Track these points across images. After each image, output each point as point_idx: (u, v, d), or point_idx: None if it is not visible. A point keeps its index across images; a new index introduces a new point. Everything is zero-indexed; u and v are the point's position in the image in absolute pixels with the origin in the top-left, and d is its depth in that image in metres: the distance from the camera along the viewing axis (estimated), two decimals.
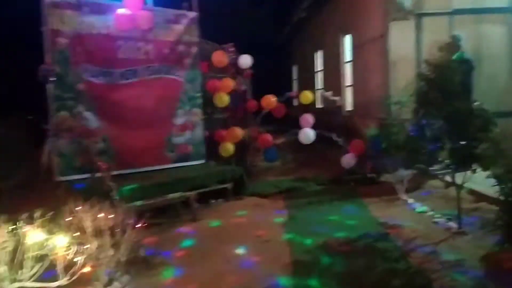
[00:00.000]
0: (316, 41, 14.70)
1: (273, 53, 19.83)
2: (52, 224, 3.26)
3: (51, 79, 5.86)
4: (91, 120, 6.30)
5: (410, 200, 6.47)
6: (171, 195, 5.83)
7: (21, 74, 6.73)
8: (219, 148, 7.93)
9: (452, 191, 6.34)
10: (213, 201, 6.84)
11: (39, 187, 6.28)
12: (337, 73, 11.94)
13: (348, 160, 8.36)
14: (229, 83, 7.94)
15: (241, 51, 8.46)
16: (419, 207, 6.09)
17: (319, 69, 14.70)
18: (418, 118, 5.16)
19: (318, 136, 8.46)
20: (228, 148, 7.93)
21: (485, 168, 4.58)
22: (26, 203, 6.26)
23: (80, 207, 3.62)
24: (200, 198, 6.36)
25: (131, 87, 6.73)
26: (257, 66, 8.51)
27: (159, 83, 7.07)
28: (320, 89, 14.41)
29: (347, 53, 11.41)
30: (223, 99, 7.88)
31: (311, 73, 15.36)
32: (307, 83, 16.33)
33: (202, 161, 7.66)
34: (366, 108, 9.76)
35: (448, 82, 4.86)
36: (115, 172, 6.36)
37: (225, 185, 6.95)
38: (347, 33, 11.31)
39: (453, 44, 7.25)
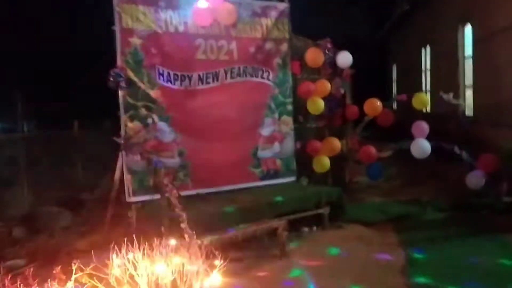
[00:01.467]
0: (423, 35, 12.81)
1: (369, 50, 18.05)
2: None
3: (122, 85, 5.09)
4: (166, 131, 5.45)
5: None
6: (255, 227, 4.74)
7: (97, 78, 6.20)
8: (313, 163, 6.71)
9: None
10: (305, 229, 5.64)
11: (112, 207, 5.57)
12: (452, 72, 10.06)
13: (475, 179, 6.65)
14: (325, 86, 6.67)
15: (338, 48, 7.16)
16: None
17: (426, 68, 12.79)
18: None
19: (434, 148, 6.85)
20: (323, 162, 6.67)
21: None
22: (100, 223, 5.72)
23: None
24: (290, 225, 5.21)
25: (212, 93, 5.80)
26: (354, 65, 7.15)
27: (243, 88, 6.06)
28: (427, 90, 12.52)
29: (467, 47, 9.51)
30: (317, 105, 6.63)
31: (416, 72, 13.48)
32: (410, 83, 14.46)
33: (293, 179, 6.49)
34: (495, 114, 7.88)
35: None
36: (191, 192, 5.56)
37: (320, 210, 5.71)
38: (467, 22, 9.41)
39: None
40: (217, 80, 5.87)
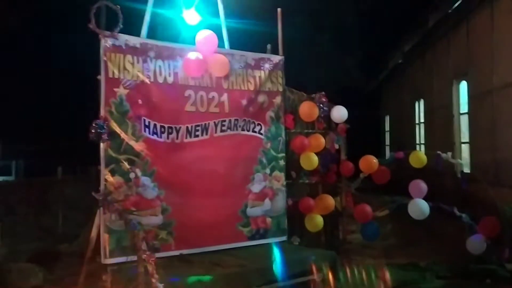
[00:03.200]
0: (417, 89, 12.82)
1: (363, 102, 18.08)
2: None
3: (104, 137, 4.78)
4: (149, 187, 5.08)
5: None
6: None
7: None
8: (305, 221, 6.33)
9: None
10: None
11: (86, 267, 5.09)
12: (447, 127, 9.93)
13: (476, 243, 6.29)
14: (319, 140, 6.41)
15: (331, 101, 6.97)
16: None
17: (419, 121, 12.70)
18: None
19: (432, 208, 6.53)
20: (316, 221, 6.29)
21: None
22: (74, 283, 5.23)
23: None
24: None
25: (200, 146, 5.49)
26: (348, 118, 6.94)
27: (233, 141, 5.76)
28: (420, 144, 12.37)
29: (463, 103, 9.42)
30: (311, 161, 6.34)
31: (409, 125, 13.39)
32: (403, 136, 14.35)
33: (283, 238, 6.08)
34: (494, 173, 7.64)
35: None
36: (174, 253, 5.14)
37: (312, 277, 5.27)
38: (462, 78, 9.37)
39: None
40: (206, 133, 5.57)
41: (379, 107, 18.92)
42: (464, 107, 9.34)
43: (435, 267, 6.18)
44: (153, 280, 3.71)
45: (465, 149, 9.22)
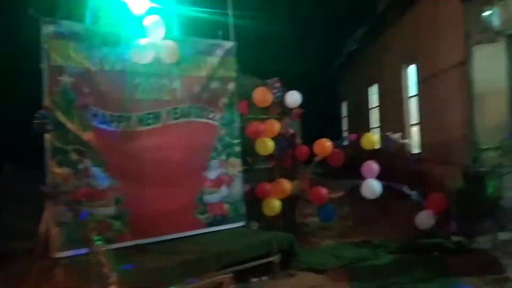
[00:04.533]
0: (371, 74, 13.15)
1: (319, 89, 18.35)
2: None
3: (49, 127, 4.61)
4: (100, 177, 4.97)
5: None
6: (197, 284, 4.30)
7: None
8: (263, 206, 6.41)
9: None
10: (254, 279, 5.26)
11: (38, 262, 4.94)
12: (398, 110, 10.26)
13: (424, 219, 6.59)
14: (274, 126, 6.48)
15: (286, 87, 7.04)
16: None
17: (374, 106, 13.05)
18: None
19: (384, 187, 6.76)
20: (274, 205, 6.39)
21: None
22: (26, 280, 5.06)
23: None
24: (238, 276, 4.82)
25: (153, 135, 5.41)
26: (306, 104, 7.04)
27: (187, 129, 5.71)
28: (375, 127, 12.73)
29: (412, 86, 9.75)
30: (266, 146, 6.41)
31: (364, 110, 13.73)
32: (359, 121, 14.71)
33: (242, 224, 6.13)
34: (441, 152, 7.98)
35: None
36: (130, 243, 5.07)
37: (271, 258, 5.36)
38: (411, 62, 9.68)
39: None
40: (159, 121, 5.50)
41: (337, 93, 19.26)
42: (413, 90, 9.67)
43: (387, 244, 6.42)
44: (106, 270, 3.64)
45: (415, 130, 9.56)
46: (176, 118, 5.64)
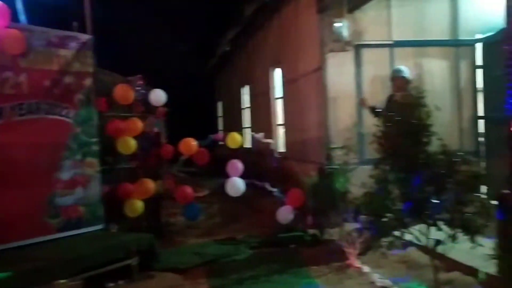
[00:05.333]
0: (243, 75, 13.57)
1: (196, 88, 18.38)
2: None
3: None
4: None
5: (366, 268, 5.21)
6: None
7: None
8: (124, 207, 6.19)
9: (413, 253, 5.30)
10: (111, 284, 5.04)
11: None
12: (267, 111, 10.76)
13: (284, 214, 6.99)
14: (137, 124, 6.30)
15: (157, 85, 6.92)
16: (379, 280, 4.84)
17: (246, 106, 13.49)
18: (382, 172, 3.93)
19: (249, 185, 7.04)
20: (136, 206, 6.23)
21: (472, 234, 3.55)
22: None
23: None
24: (91, 282, 4.58)
25: None
26: (179, 102, 7.01)
27: (36, 126, 5.24)
28: (247, 127, 13.17)
29: (278, 88, 10.29)
30: (129, 145, 6.21)
31: (238, 110, 14.13)
32: (234, 121, 15.08)
33: (100, 227, 5.83)
34: (302, 151, 8.56)
35: (418, 125, 3.71)
36: None
37: (128, 261, 5.19)
38: (277, 66, 10.22)
39: (400, 79, 6.35)
40: (2, 117, 4.96)
41: (214, 93, 19.49)
42: (279, 92, 10.22)
43: (249, 239, 6.68)
44: None
45: (281, 130, 10.11)
46: (22, 115, 5.14)
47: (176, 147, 6.72)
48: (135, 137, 6.32)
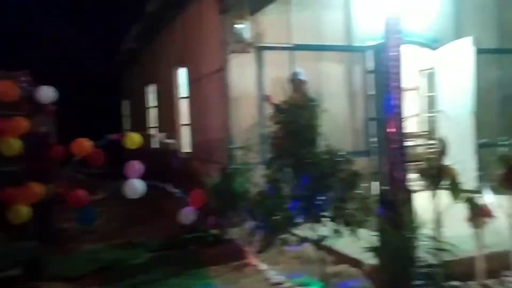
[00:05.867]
0: (148, 74, 13.19)
1: (100, 86, 17.47)
2: None
3: None
4: None
5: (263, 266, 5.32)
6: None
7: None
8: (8, 213, 5.66)
9: (308, 249, 5.52)
10: None
11: None
12: (172, 111, 10.57)
13: (187, 214, 6.90)
14: (21, 123, 5.80)
15: (51, 81, 6.43)
16: (274, 276, 4.97)
17: (151, 105, 13.15)
18: (273, 171, 4.03)
19: (151, 186, 6.84)
20: (21, 212, 5.73)
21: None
22: None
23: None
24: None
25: None
26: (77, 101, 6.57)
27: None
28: (152, 127, 12.85)
29: (183, 88, 10.16)
30: (12, 146, 5.69)
31: (144, 109, 13.72)
32: (139, 120, 14.62)
33: None
34: (206, 152, 8.53)
35: (307, 127, 3.86)
36: None
37: (9, 272, 4.75)
38: (182, 66, 10.08)
39: (298, 81, 6.58)
40: None
41: (120, 92, 18.70)
42: (184, 91, 10.09)
43: (149, 243, 6.49)
44: None
45: (186, 131, 10.00)
46: None
47: (68, 147, 6.30)
48: (20, 138, 5.81)
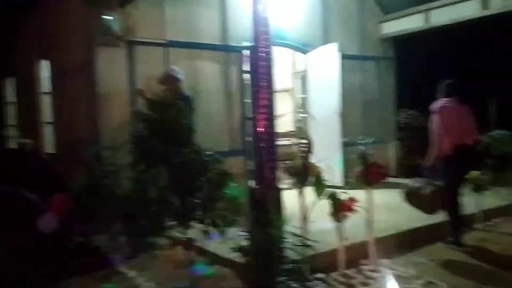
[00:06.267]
0: (6, 66, 11.70)
1: None
2: None
3: None
4: None
5: (132, 273, 5.06)
6: None
7: None
8: None
9: (180, 252, 5.38)
10: None
11: None
12: (34, 107, 9.51)
13: (47, 222, 6.22)
14: None
15: None
16: (143, 284, 4.74)
17: (10, 101, 11.71)
18: (138, 173, 3.77)
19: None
20: None
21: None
22: None
23: None
24: None
25: None
26: None
27: None
28: (10, 125, 11.47)
29: (46, 82, 9.20)
30: None
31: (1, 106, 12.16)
32: None
33: None
34: (72, 152, 7.83)
35: (175, 125, 3.68)
36: None
37: None
38: (45, 57, 9.11)
39: (172, 79, 6.38)
40: None
41: None
42: (48, 86, 9.16)
43: None
44: None
45: (50, 129, 9.08)
46: None
47: None
48: None
